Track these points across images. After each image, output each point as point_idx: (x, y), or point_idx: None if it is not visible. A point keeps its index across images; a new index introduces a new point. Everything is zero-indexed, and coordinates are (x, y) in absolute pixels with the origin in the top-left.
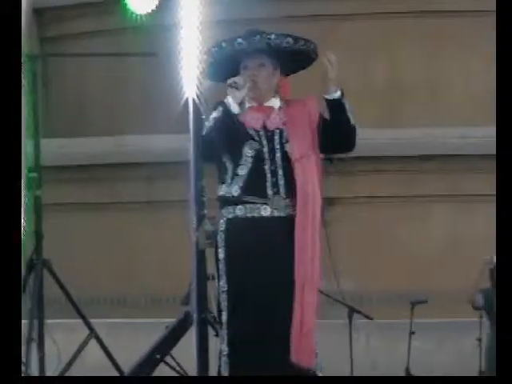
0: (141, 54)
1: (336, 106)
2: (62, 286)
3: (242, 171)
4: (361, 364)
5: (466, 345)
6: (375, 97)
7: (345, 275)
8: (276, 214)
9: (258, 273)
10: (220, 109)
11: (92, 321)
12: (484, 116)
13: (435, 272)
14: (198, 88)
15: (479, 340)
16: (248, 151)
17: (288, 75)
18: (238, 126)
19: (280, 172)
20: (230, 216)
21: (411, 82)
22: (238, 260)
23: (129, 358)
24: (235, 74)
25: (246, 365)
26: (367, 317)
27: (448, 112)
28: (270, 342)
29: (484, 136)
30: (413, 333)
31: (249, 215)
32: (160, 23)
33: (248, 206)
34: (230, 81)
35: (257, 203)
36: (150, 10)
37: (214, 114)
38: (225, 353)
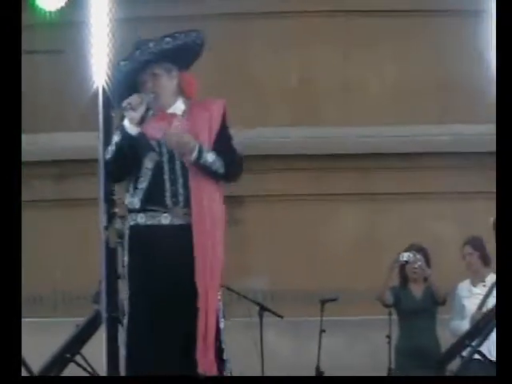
0: (48, 52)
1: (200, 166)
2: None
3: (142, 185)
4: (271, 363)
5: (376, 342)
6: (288, 95)
7: (256, 273)
8: (176, 222)
9: (159, 279)
10: (118, 132)
11: None
12: (397, 114)
13: (345, 270)
14: (107, 84)
15: (388, 337)
16: (148, 164)
17: (187, 69)
18: (136, 145)
19: (180, 181)
20: (132, 223)
21: (325, 81)
22: (140, 266)
23: (39, 358)
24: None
25: (141, 369)
26: (277, 315)
27: (361, 110)
28: (168, 349)
29: (396, 134)
30: (323, 331)
31: (149, 223)
32: (69, 20)
33: (149, 213)
34: (124, 103)
35: (157, 211)
36: (59, 7)
37: (115, 138)
38: (123, 354)
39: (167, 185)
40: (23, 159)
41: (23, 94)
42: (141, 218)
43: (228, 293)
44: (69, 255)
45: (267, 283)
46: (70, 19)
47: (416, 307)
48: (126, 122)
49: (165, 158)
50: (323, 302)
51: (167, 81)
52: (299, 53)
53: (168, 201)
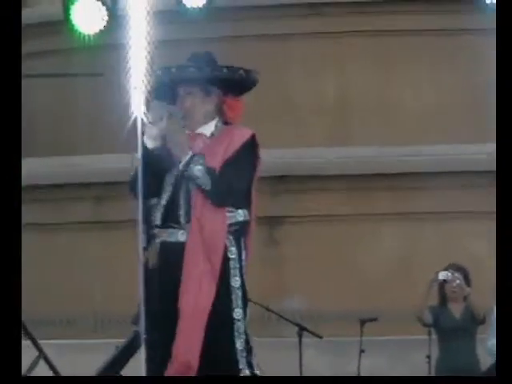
0: (88, 74)
1: (188, 176)
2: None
3: (163, 201)
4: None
5: (416, 362)
6: (326, 116)
7: (295, 293)
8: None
9: (170, 299)
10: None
11: (41, 342)
12: (435, 133)
13: (384, 290)
14: (145, 107)
15: (428, 357)
16: (169, 179)
17: (235, 95)
18: (155, 160)
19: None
20: (158, 240)
21: (361, 100)
22: (160, 285)
23: None
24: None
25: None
26: (316, 335)
27: (398, 130)
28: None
29: (435, 153)
30: (363, 351)
31: (169, 240)
32: (107, 43)
33: (169, 230)
34: (146, 119)
35: (176, 228)
36: (97, 30)
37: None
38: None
39: (182, 202)
40: (58, 181)
41: (60, 117)
42: (166, 236)
43: (267, 313)
44: (108, 277)
45: (306, 303)
46: (109, 42)
47: (455, 326)
48: (145, 137)
49: (185, 175)
50: (363, 322)
51: (201, 102)
52: (337, 73)
53: (181, 218)
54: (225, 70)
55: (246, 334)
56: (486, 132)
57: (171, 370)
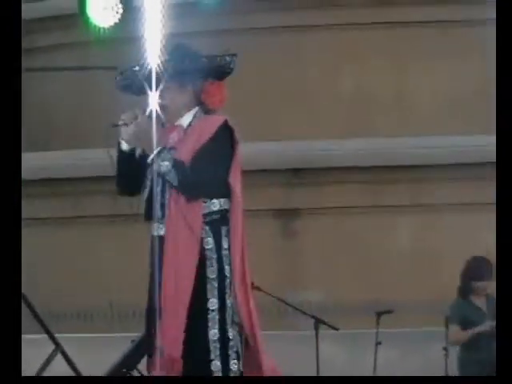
0: (103, 68)
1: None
2: (26, 301)
3: (144, 196)
4: (328, 374)
5: (433, 354)
6: (341, 107)
7: (311, 286)
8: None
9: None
10: (116, 148)
11: (58, 336)
12: (451, 125)
13: (400, 282)
14: (160, 100)
15: (445, 349)
16: (148, 175)
17: (216, 80)
18: (130, 159)
19: (167, 192)
20: (153, 233)
21: (378, 92)
22: (149, 279)
23: (95, 373)
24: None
25: None
26: (333, 327)
27: (414, 121)
28: None
29: (452, 145)
30: (379, 343)
31: (152, 234)
32: (123, 36)
33: (153, 225)
34: (120, 119)
35: (156, 222)
36: (112, 23)
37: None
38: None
39: (158, 196)
40: (75, 175)
41: (76, 111)
42: (152, 230)
43: (283, 305)
44: (124, 271)
45: (322, 295)
46: (125, 35)
47: (481, 319)
48: (120, 138)
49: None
50: (379, 314)
51: (178, 94)
52: (352, 65)
53: (158, 212)
54: (203, 60)
55: (224, 325)
56: None
57: (158, 364)
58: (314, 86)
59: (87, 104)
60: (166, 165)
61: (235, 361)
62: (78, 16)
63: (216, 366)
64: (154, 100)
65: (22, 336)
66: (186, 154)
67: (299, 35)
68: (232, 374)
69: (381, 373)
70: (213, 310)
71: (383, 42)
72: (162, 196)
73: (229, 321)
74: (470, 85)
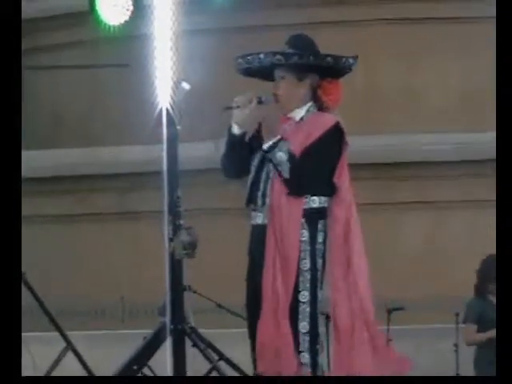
0: (114, 65)
1: (271, 160)
2: (38, 299)
3: (248, 182)
4: None
5: (443, 350)
6: (351, 104)
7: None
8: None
9: (255, 282)
10: (227, 131)
11: (69, 333)
12: (460, 122)
13: (411, 279)
14: (171, 98)
15: (456, 345)
16: (255, 161)
17: (333, 78)
18: (240, 143)
19: (272, 182)
20: (251, 222)
21: (388, 89)
22: (248, 269)
23: (106, 371)
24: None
25: None
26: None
27: (424, 118)
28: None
29: (461, 142)
30: (390, 340)
31: (252, 222)
32: (133, 34)
33: (252, 213)
34: (233, 102)
35: (255, 210)
36: (122, 21)
37: (225, 138)
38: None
39: (261, 184)
40: (85, 173)
41: (86, 109)
42: (251, 218)
43: None
44: (135, 268)
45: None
46: (135, 33)
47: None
48: (232, 121)
49: (266, 157)
50: (389, 311)
51: (294, 86)
52: (362, 61)
53: (259, 200)
54: (329, 59)
55: (314, 318)
56: None
57: (260, 357)
58: None
59: (97, 102)
60: (280, 155)
61: (320, 355)
62: (88, 14)
63: (305, 358)
64: (270, 89)
65: (33, 334)
66: (296, 149)
67: (308, 32)
68: (320, 368)
69: None
70: (303, 303)
71: (393, 38)
72: (265, 184)
73: (319, 314)
74: (482, 81)
